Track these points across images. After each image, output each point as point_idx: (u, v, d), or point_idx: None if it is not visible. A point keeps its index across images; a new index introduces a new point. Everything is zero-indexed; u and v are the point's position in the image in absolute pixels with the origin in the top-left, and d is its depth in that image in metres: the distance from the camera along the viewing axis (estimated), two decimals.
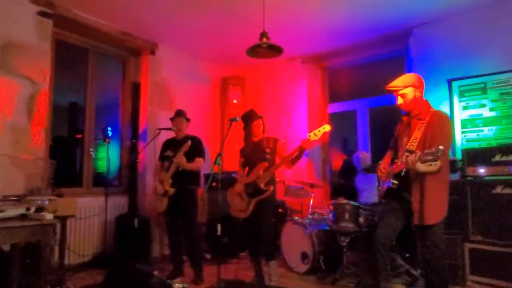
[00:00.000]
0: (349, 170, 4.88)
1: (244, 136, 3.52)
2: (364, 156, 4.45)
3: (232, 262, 4.29)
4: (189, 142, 3.45)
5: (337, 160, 5.74)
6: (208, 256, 4.48)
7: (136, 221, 3.76)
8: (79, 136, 5.02)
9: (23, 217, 2.38)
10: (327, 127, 3.03)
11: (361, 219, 3.61)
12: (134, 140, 4.23)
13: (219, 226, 2.91)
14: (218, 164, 2.87)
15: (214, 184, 4.02)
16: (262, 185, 3.20)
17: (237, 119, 3.17)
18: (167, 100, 4.95)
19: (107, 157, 4.07)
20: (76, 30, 4.20)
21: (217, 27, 4.39)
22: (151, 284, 2.86)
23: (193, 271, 3.58)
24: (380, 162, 2.80)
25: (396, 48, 4.74)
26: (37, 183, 3.59)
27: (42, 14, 3.71)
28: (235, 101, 5.75)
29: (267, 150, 3.36)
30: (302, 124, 5.34)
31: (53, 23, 3.83)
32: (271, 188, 3.22)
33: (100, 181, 4.73)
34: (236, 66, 5.75)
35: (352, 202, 3.67)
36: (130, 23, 4.33)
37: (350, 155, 4.94)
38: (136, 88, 4.47)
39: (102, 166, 5.49)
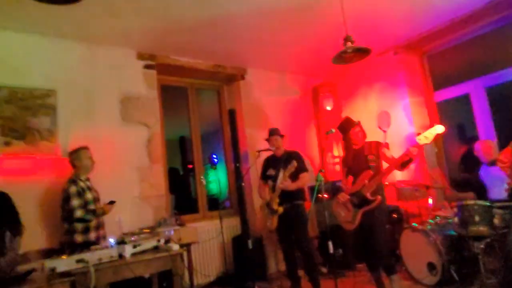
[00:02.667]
0: (471, 162, 4.26)
1: (344, 145, 3.42)
2: (487, 146, 3.82)
3: (349, 276, 4.14)
4: (294, 164, 3.48)
5: (456, 152, 5.08)
6: (324, 270, 4.41)
7: (249, 242, 3.92)
8: (190, 166, 5.53)
9: (155, 249, 2.71)
10: (439, 128, 2.71)
11: (496, 220, 3.10)
12: (237, 164, 4.47)
13: (330, 244, 2.84)
14: (320, 181, 2.83)
15: (320, 196, 3.97)
16: (368, 195, 3.03)
17: (333, 130, 3.10)
18: (262, 120, 5.12)
19: (218, 181, 4.39)
20: (175, 73, 4.70)
21: (300, 39, 4.40)
22: None
23: (311, 286, 3.56)
24: (501, 151, 2.38)
25: (509, 13, 4.04)
26: (162, 214, 4.06)
27: (147, 66, 4.26)
28: (328, 108, 5.62)
29: (370, 157, 3.19)
30: (406, 121, 4.92)
31: (157, 72, 4.35)
32: (379, 198, 3.03)
33: (214, 203, 5.12)
34: (325, 73, 5.65)
35: (480, 202, 3.19)
36: (220, 56, 4.65)
37: (470, 144, 4.30)
38: (232, 114, 4.74)
39: (213, 189, 5.94)
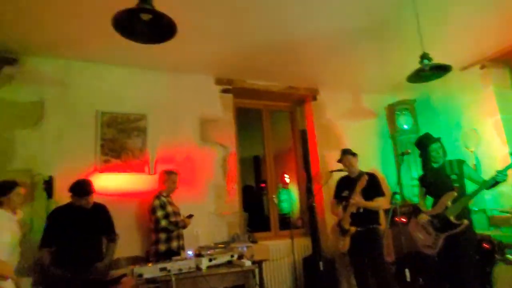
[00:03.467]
0: None
1: (422, 163, 3.24)
2: None
3: None
4: (365, 177, 3.40)
5: None
6: None
7: (321, 264, 3.87)
8: (263, 185, 5.68)
9: (229, 263, 2.85)
10: None
11: None
12: (309, 184, 4.48)
13: (407, 271, 2.68)
14: (395, 204, 2.71)
15: (396, 219, 3.78)
16: (452, 218, 2.81)
17: (409, 151, 2.97)
18: (335, 140, 5.08)
19: (289, 200, 4.45)
20: (250, 96, 4.95)
21: (374, 59, 4.34)
22: None
23: None
24: None
25: None
26: (236, 230, 4.23)
27: (224, 91, 4.58)
28: (405, 127, 5.35)
29: (453, 176, 2.97)
30: (498, 140, 4.45)
31: (233, 95, 4.65)
32: (465, 222, 2.79)
33: (285, 222, 5.16)
34: (401, 90, 5.42)
35: None
36: (293, 78, 4.79)
37: None
38: (304, 134, 4.81)
39: (285, 208, 6.00)
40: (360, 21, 3.51)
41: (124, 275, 2.58)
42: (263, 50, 3.92)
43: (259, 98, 5.06)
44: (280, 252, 4.53)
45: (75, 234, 2.95)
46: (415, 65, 3.01)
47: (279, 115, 5.55)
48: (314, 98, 5.17)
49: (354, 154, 3.75)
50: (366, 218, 3.48)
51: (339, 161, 3.81)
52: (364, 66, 4.56)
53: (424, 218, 3.02)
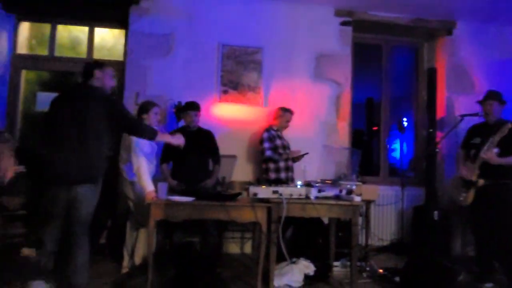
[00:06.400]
0: None
1: None
2: None
3: None
4: (509, 126, 2.90)
5: None
6: None
7: (436, 213, 3.60)
8: (375, 128, 5.39)
9: (336, 197, 2.86)
10: None
11: None
12: (431, 130, 4.05)
13: None
14: None
15: None
16: None
17: None
18: (468, 83, 4.40)
19: (402, 148, 4.15)
20: (370, 29, 4.53)
21: None
22: (457, 282, 2.69)
23: (507, 280, 3.03)
24: None
25: None
26: (344, 169, 4.19)
27: (343, 23, 4.28)
28: None
29: None
30: None
31: (352, 28, 4.31)
32: None
33: (394, 172, 4.89)
34: None
35: None
36: (422, 8, 4.18)
37: None
38: (431, 73, 4.25)
39: (396, 156, 5.64)
40: None
41: (240, 193, 2.83)
42: None
43: (380, 32, 4.59)
44: (388, 198, 4.37)
45: (186, 153, 3.19)
46: None
47: (401, 53, 4.99)
48: (449, 33, 4.46)
49: (502, 101, 3.19)
50: (498, 171, 3.03)
51: (480, 102, 3.29)
52: None
53: None
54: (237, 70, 4.09)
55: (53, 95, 3.93)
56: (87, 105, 2.27)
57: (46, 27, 4.25)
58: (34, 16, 4.21)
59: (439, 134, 4.30)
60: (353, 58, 4.49)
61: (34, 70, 4.33)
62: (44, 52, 4.21)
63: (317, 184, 2.99)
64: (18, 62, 4.13)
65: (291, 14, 4.22)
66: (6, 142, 2.74)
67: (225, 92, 4.07)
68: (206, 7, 4.08)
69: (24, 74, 4.21)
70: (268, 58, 4.16)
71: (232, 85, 4.08)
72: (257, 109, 4.12)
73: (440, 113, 4.44)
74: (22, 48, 4.22)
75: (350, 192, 2.81)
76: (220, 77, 4.06)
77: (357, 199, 2.69)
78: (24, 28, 4.26)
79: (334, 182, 3.47)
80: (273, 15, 4.20)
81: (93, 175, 2.27)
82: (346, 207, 2.71)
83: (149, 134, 2.51)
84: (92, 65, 2.47)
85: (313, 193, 2.71)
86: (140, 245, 3.08)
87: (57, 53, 4.21)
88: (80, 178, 2.22)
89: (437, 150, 3.91)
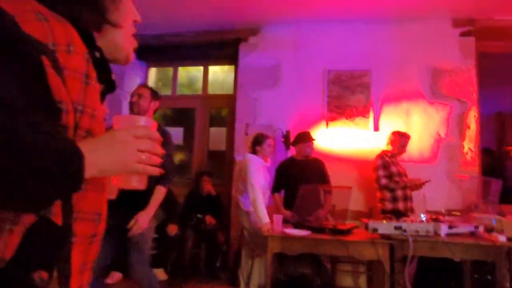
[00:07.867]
0: None
1: None
2: None
3: None
4: None
5: None
6: None
7: None
8: (508, 148, 4.63)
9: (472, 234, 2.49)
10: None
11: None
12: None
13: None
14: None
15: None
16: None
17: None
18: None
19: None
20: (498, 37, 3.96)
21: None
22: None
23: None
24: None
25: None
26: (473, 198, 3.65)
27: (463, 34, 3.84)
28: None
29: None
30: None
31: (475, 38, 3.84)
32: None
33: None
34: None
35: None
36: None
37: None
38: None
39: None
40: None
41: (355, 226, 2.69)
42: None
43: (509, 38, 3.97)
44: None
45: (298, 182, 3.18)
46: None
47: None
48: None
49: None
50: None
51: None
52: None
53: None
54: (344, 95, 3.98)
55: (176, 129, 4.50)
56: None
57: (169, 71, 4.83)
58: (160, 62, 4.84)
59: None
60: (478, 70, 3.97)
61: (160, 109, 4.93)
62: (168, 92, 4.79)
63: (444, 217, 2.66)
64: None
65: (399, 33, 3.96)
66: None
67: (332, 118, 3.99)
68: (310, 35, 4.12)
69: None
70: (377, 80, 3.95)
71: (339, 110, 3.99)
72: (367, 133, 3.92)
73: None
74: None
75: (491, 229, 2.41)
76: (327, 103, 4.01)
77: (502, 238, 2.29)
78: (152, 73, 4.92)
79: (464, 215, 3.06)
80: (380, 35, 4.00)
81: None
82: (487, 248, 2.33)
83: None
84: None
85: (443, 229, 2.41)
86: (255, 274, 3.15)
87: (178, 92, 4.74)
88: None
89: None
